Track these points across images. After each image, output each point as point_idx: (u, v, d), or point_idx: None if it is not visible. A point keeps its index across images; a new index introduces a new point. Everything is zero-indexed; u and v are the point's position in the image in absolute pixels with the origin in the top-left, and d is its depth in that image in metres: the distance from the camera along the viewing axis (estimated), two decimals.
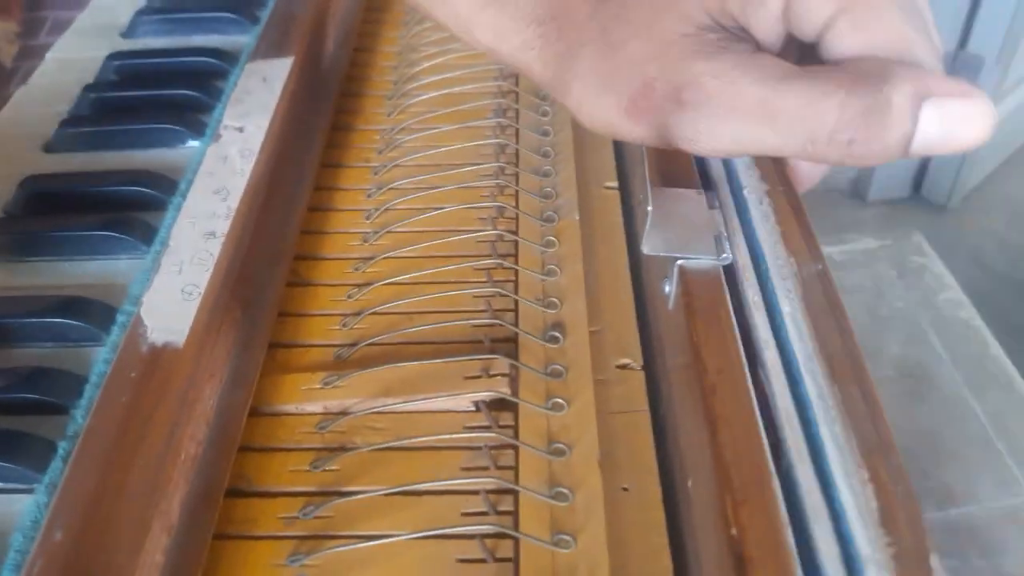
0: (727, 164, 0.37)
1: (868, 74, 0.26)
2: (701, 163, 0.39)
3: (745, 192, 0.35)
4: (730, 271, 0.33)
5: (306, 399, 0.37)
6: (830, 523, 0.25)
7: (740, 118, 0.27)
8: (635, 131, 0.29)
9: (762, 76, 0.27)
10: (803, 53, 0.30)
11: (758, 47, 0.29)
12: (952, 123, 0.25)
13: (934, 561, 0.24)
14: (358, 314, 0.41)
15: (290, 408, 0.37)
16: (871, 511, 0.25)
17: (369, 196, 0.47)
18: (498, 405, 0.36)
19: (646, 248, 0.35)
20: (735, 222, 0.34)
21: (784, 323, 0.30)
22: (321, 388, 0.37)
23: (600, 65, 0.29)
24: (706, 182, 0.36)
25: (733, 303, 0.32)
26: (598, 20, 0.30)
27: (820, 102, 0.26)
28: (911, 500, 0.25)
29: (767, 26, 0.28)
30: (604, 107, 0.29)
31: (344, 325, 0.40)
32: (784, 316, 0.30)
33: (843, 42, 0.28)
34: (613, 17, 0.29)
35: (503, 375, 0.37)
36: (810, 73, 0.27)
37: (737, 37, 0.28)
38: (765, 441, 0.28)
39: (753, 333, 0.30)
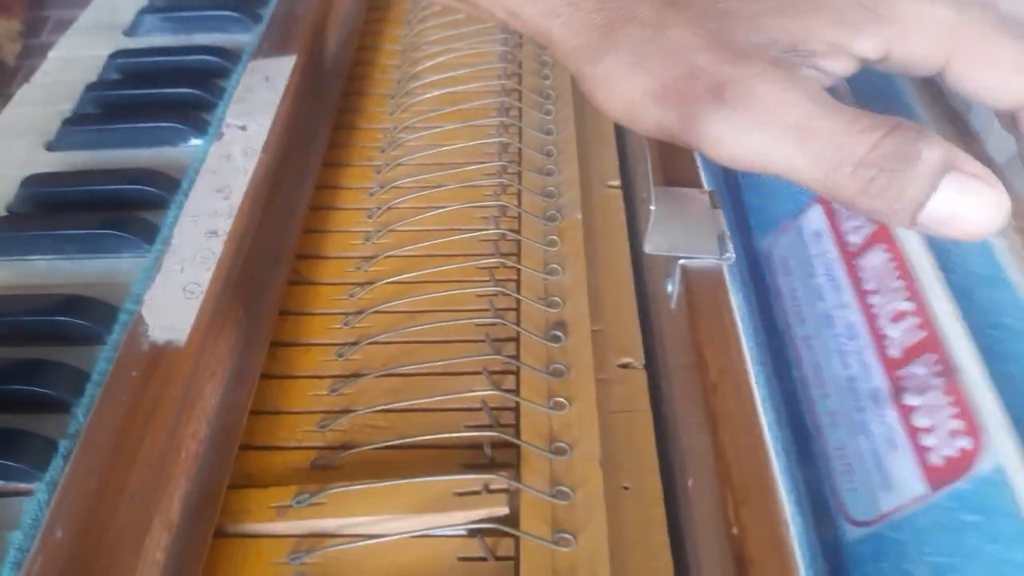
0: None
1: (907, 126, 0.26)
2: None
3: None
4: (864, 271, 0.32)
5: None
6: None
7: (775, 130, 0.26)
8: (657, 117, 0.28)
9: (812, 96, 0.26)
10: None
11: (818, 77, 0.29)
12: (965, 204, 0.25)
13: None
14: (360, 313, 0.41)
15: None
16: None
17: (371, 195, 0.47)
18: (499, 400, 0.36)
19: (649, 247, 0.35)
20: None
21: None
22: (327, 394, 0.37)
23: (642, 44, 0.28)
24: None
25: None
26: (651, 1, 0.29)
27: (858, 134, 0.25)
28: None
29: (844, 68, 0.28)
30: (631, 87, 0.29)
31: (346, 324, 0.40)
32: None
33: (964, 84, 0.28)
34: (668, 3, 0.29)
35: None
36: (855, 110, 0.26)
37: (803, 62, 0.28)
38: (767, 440, 0.28)
39: (952, 342, 0.29)
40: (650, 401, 0.36)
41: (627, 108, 0.29)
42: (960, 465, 0.27)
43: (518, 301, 0.40)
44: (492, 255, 0.43)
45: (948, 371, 0.28)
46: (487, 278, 0.42)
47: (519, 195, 0.46)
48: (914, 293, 0.31)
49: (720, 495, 0.27)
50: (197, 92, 0.51)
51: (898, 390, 0.30)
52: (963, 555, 0.26)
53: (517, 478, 0.33)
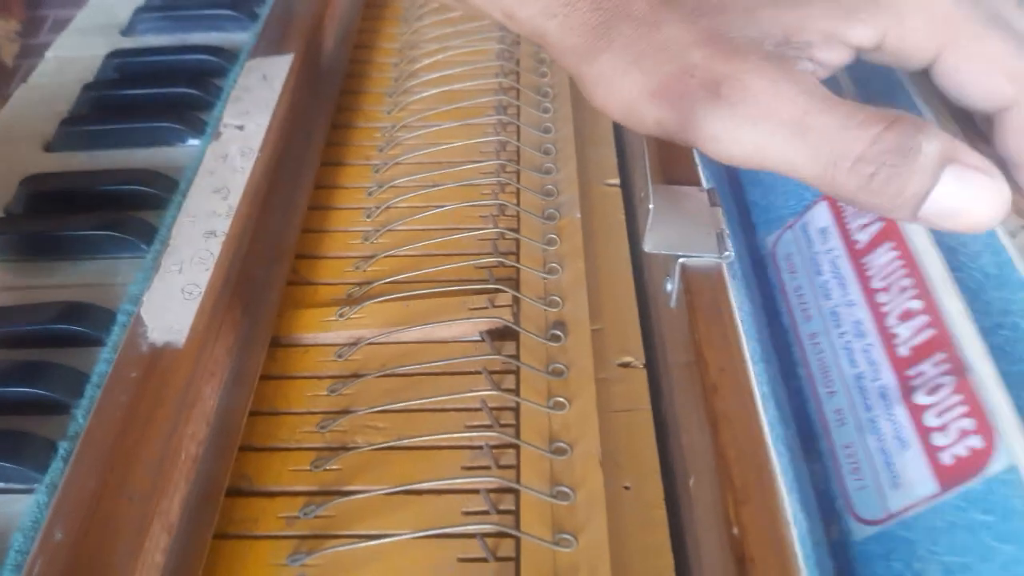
0: None
1: (906, 119, 0.25)
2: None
3: None
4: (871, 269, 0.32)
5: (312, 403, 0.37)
6: None
7: (771, 126, 0.26)
8: (654, 116, 0.28)
9: (808, 90, 0.26)
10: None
11: (813, 69, 0.28)
12: (967, 196, 0.25)
13: None
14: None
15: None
16: None
17: (370, 194, 0.47)
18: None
19: (648, 246, 0.35)
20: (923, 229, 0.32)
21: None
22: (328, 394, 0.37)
23: (637, 42, 0.28)
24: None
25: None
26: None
27: (856, 128, 0.25)
28: None
29: (838, 58, 0.28)
30: (627, 86, 0.29)
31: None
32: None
33: (952, 78, 0.28)
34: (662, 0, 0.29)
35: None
36: (851, 103, 0.26)
37: (798, 55, 0.28)
38: (768, 439, 0.28)
39: (962, 342, 0.29)
40: (650, 400, 0.36)
41: (624, 107, 0.29)
42: (971, 464, 0.27)
43: (517, 300, 0.40)
44: (491, 254, 0.43)
45: (958, 370, 0.28)
46: (486, 277, 0.42)
47: (518, 194, 0.46)
48: (923, 291, 0.31)
49: (721, 495, 0.27)
50: (194, 92, 0.51)
51: (907, 389, 0.29)
52: (976, 555, 0.26)
53: (517, 479, 0.33)
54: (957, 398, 0.28)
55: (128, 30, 0.58)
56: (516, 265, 0.42)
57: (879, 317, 0.32)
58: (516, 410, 0.36)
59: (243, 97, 0.47)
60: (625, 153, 0.48)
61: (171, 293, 0.36)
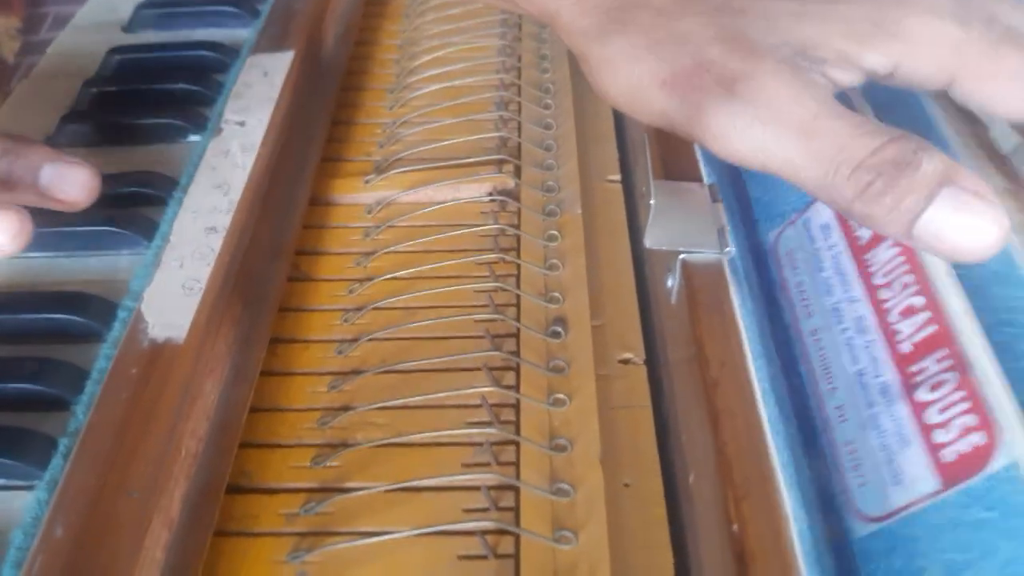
0: None
1: (910, 137, 0.26)
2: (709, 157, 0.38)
3: None
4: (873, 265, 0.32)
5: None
6: None
7: (780, 127, 0.26)
8: (661, 105, 0.28)
9: (821, 98, 0.26)
10: None
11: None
12: (962, 220, 0.24)
13: None
14: (359, 309, 0.40)
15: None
16: None
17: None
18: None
19: (649, 242, 0.35)
20: None
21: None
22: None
23: (654, 30, 0.29)
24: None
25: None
26: None
27: (860, 138, 0.26)
28: None
29: (851, 79, 0.28)
30: (638, 71, 0.29)
31: (345, 320, 0.40)
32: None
33: (970, 99, 0.28)
34: None
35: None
36: (860, 116, 0.26)
37: (813, 66, 0.28)
38: (768, 436, 0.28)
39: (963, 338, 0.29)
40: (651, 397, 0.36)
41: (631, 93, 0.29)
42: (974, 461, 0.27)
43: (518, 297, 0.40)
44: (491, 250, 0.43)
45: (961, 367, 0.28)
46: (487, 274, 0.42)
47: (518, 189, 0.46)
48: (925, 288, 0.30)
49: (721, 491, 0.27)
50: (195, 88, 0.50)
51: (909, 385, 0.29)
52: (978, 552, 0.26)
53: (517, 476, 0.33)
54: (959, 395, 0.28)
55: (129, 26, 0.58)
56: (517, 261, 0.42)
57: (881, 313, 0.32)
58: (516, 407, 0.36)
59: (244, 93, 0.47)
60: (626, 149, 0.48)
61: (172, 289, 0.36)
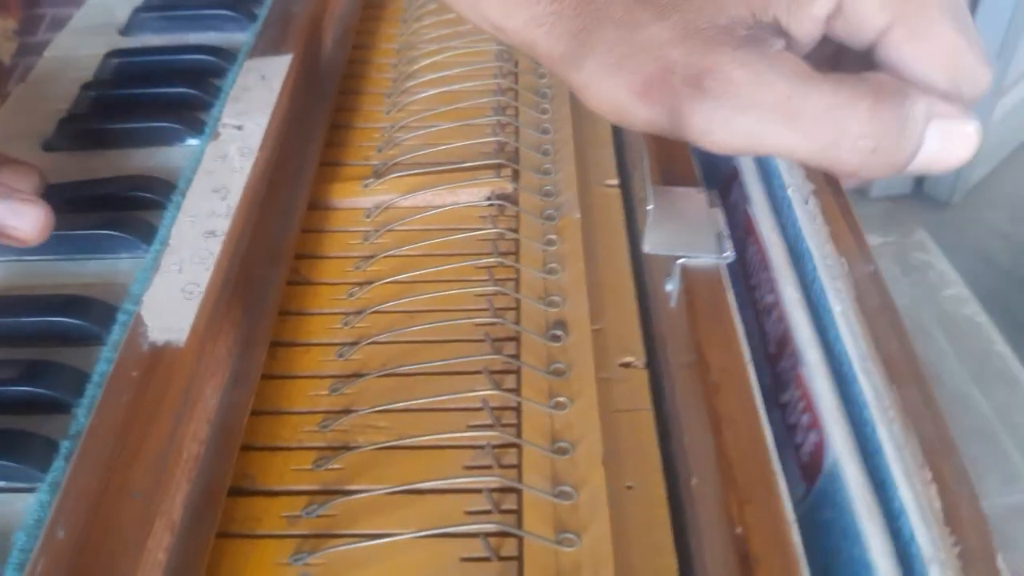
0: (763, 163, 0.36)
1: (887, 87, 0.27)
2: (710, 160, 0.39)
3: (789, 191, 0.34)
4: (750, 266, 0.32)
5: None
6: (883, 521, 0.25)
7: (760, 113, 0.27)
8: (645, 115, 0.29)
9: (790, 73, 0.27)
10: (828, 59, 0.30)
11: (788, 47, 0.29)
12: (948, 143, 0.27)
13: (999, 562, 0.23)
14: (359, 313, 0.40)
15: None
16: (935, 511, 0.24)
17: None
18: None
19: (647, 247, 0.35)
20: (771, 221, 0.33)
21: (835, 322, 0.30)
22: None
23: (618, 45, 0.29)
24: (719, 179, 0.36)
25: (747, 300, 0.31)
26: (622, 1, 0.29)
27: (847, 107, 0.26)
28: (974, 501, 0.24)
29: (807, 28, 0.29)
30: (615, 87, 0.29)
31: (345, 324, 0.40)
32: (835, 316, 0.30)
33: (898, 51, 0.28)
34: (637, 0, 0.29)
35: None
36: (833, 78, 0.27)
37: (770, 34, 0.28)
38: (770, 439, 0.28)
39: (795, 332, 0.30)
40: (652, 400, 0.36)
41: (615, 109, 0.30)
42: (817, 460, 0.27)
43: (518, 300, 0.40)
44: (491, 254, 0.43)
45: (799, 363, 0.28)
46: (486, 277, 0.42)
47: (516, 194, 0.46)
48: (772, 285, 0.30)
49: (723, 494, 0.27)
50: (193, 91, 0.50)
51: (777, 387, 0.29)
52: (831, 555, 0.26)
53: (519, 478, 0.33)
54: (797, 393, 0.28)
55: (127, 30, 0.58)
56: (516, 265, 0.42)
57: (757, 315, 0.31)
58: (518, 410, 0.36)
59: (242, 97, 0.47)
60: (624, 154, 0.48)
61: (171, 292, 0.36)
